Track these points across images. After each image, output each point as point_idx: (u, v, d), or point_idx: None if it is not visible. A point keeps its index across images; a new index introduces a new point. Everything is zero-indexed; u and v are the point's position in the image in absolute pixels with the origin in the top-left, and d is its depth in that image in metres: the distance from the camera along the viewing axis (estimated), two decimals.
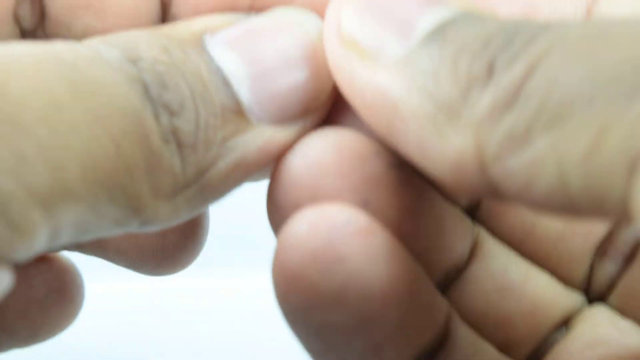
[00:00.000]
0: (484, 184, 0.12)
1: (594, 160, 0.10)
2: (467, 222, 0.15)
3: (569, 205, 0.11)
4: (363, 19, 0.13)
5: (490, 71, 0.12)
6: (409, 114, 0.12)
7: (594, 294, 0.16)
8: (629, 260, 0.16)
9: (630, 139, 0.10)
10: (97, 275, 0.30)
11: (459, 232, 0.15)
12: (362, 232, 0.13)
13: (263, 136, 0.14)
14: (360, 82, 0.13)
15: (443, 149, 0.12)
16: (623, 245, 0.16)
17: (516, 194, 0.11)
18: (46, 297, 0.17)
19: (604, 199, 0.10)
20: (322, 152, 0.13)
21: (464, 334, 0.15)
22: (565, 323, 0.16)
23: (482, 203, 0.16)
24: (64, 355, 0.28)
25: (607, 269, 0.16)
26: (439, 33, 0.12)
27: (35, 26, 0.15)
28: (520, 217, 0.15)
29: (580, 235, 0.16)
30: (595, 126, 0.10)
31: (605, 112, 0.10)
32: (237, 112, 0.13)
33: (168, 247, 0.17)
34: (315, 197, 0.13)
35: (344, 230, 0.13)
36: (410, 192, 0.14)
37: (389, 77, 0.12)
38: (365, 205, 0.13)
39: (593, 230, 0.16)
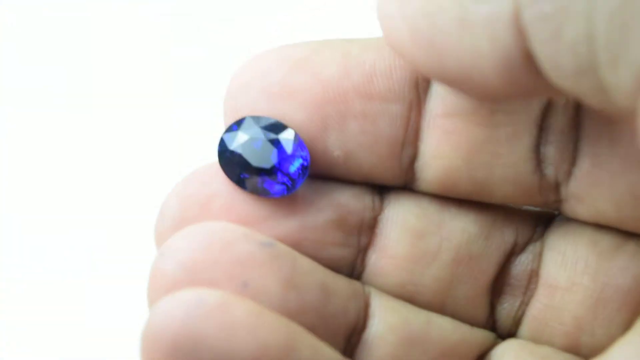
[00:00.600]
0: (516, 39, 0.11)
1: (621, 13, 0.10)
2: (353, 283, 0.15)
3: (590, 62, 0.11)
4: None
5: None
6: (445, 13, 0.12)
7: (503, 331, 0.16)
8: (527, 291, 0.16)
9: None
10: None
11: (346, 294, 0.15)
12: (215, 308, 0.13)
13: None
14: (399, 21, 0.13)
15: (478, 15, 0.12)
16: (516, 280, 0.16)
17: (544, 44, 0.11)
18: None
19: (620, 55, 0.10)
20: (189, 248, 0.14)
21: None
22: None
23: (365, 269, 0.16)
24: None
25: (508, 305, 0.16)
26: None
27: None
28: (406, 273, 0.15)
29: (470, 279, 0.16)
30: None
31: None
32: None
33: None
34: None
35: (198, 311, 0.13)
36: (285, 265, 0.14)
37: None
38: (244, 287, 0.14)
39: (481, 271, 0.16)
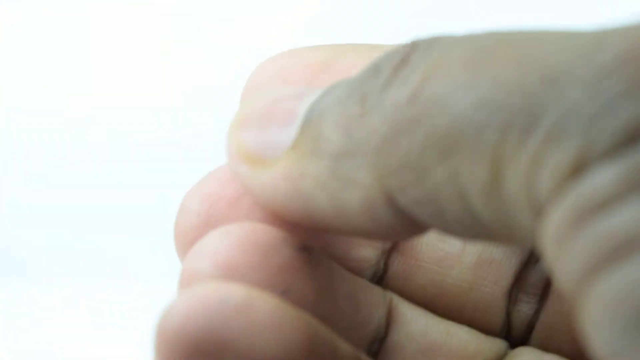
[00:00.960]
0: (400, 218, 0.11)
1: (495, 194, 0.10)
2: (377, 290, 0.15)
3: (483, 232, 0.11)
4: (251, 130, 0.13)
5: (363, 105, 0.11)
6: (313, 184, 0.12)
7: (516, 339, 0.16)
8: (542, 299, 0.16)
9: (530, 185, 0.10)
10: None
11: (372, 302, 0.15)
12: (239, 307, 0.12)
13: None
14: (265, 186, 0.13)
15: (351, 198, 0.12)
16: (533, 287, 0.16)
17: (430, 222, 0.11)
18: None
19: (513, 230, 0.10)
20: (228, 249, 0.13)
21: None
22: None
23: (388, 271, 0.15)
24: None
25: (523, 312, 0.16)
26: (314, 108, 0.12)
27: None
28: (428, 275, 0.15)
29: (490, 283, 0.15)
30: (489, 159, 0.10)
31: (497, 144, 0.10)
32: None
33: None
34: None
35: (220, 309, 0.12)
36: (321, 272, 0.14)
37: (285, 165, 0.12)
38: (284, 294, 0.13)
39: (501, 275, 0.16)
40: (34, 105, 0.36)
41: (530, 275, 0.16)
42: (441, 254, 0.15)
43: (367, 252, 0.15)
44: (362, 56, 0.14)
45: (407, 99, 0.11)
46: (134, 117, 0.35)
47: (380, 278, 0.16)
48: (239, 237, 0.13)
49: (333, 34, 0.36)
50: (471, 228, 0.11)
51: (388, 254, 0.15)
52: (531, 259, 0.16)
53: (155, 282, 0.27)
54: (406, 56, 0.11)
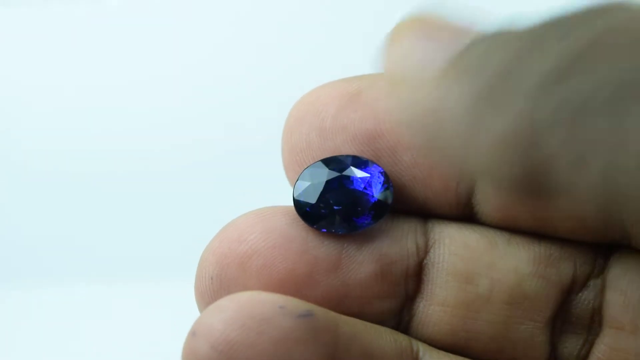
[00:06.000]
0: (530, 162, 0.10)
1: None
2: (400, 341, 0.14)
3: (609, 201, 0.10)
4: (415, 44, 0.12)
5: (537, 46, 0.10)
6: (450, 114, 0.11)
7: None
8: (591, 329, 0.15)
9: None
10: None
11: (393, 357, 0.14)
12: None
13: None
14: (404, 105, 0.12)
15: (490, 130, 0.11)
16: (578, 319, 0.15)
17: (563, 175, 0.10)
18: None
19: None
20: (222, 327, 0.13)
21: None
22: None
23: (413, 319, 0.15)
24: None
25: (570, 345, 0.15)
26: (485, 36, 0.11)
27: None
28: (457, 320, 0.15)
29: (526, 320, 0.15)
30: None
31: None
32: None
33: None
34: None
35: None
36: (327, 338, 0.13)
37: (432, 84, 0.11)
38: None
39: (538, 310, 0.15)
40: (36, 106, 0.35)
41: (573, 306, 0.15)
42: (469, 296, 0.14)
43: (389, 303, 0.15)
44: None
45: (580, 46, 0.10)
46: (144, 113, 0.35)
47: (406, 326, 0.15)
48: (233, 313, 0.13)
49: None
50: (597, 194, 0.10)
51: (412, 301, 0.15)
52: (574, 287, 0.15)
53: (164, 284, 0.29)
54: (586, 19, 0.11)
